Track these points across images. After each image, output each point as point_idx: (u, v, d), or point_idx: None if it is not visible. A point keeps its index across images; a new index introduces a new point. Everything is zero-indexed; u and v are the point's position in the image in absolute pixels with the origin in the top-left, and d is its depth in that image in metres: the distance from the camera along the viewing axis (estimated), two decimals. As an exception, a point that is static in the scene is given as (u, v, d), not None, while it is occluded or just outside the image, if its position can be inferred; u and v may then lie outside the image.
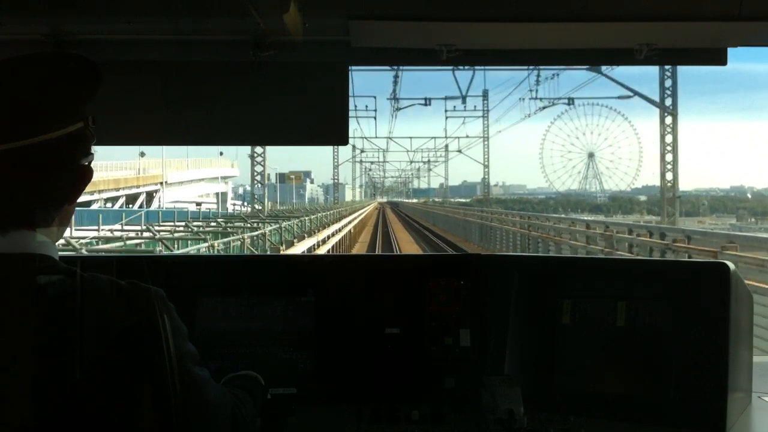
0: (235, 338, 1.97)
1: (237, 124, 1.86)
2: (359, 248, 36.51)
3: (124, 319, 1.11)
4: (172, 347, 1.14)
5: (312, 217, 31.25)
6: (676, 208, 28.29)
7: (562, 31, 1.85)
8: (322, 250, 25.28)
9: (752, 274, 9.99)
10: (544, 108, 41.44)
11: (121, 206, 43.29)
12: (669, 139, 28.26)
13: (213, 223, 27.11)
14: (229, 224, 25.95)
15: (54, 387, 1.04)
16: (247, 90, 1.84)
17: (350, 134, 1.90)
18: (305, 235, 25.33)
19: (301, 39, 1.81)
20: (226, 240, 18.18)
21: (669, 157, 28.19)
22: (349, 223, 41.68)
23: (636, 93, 32.57)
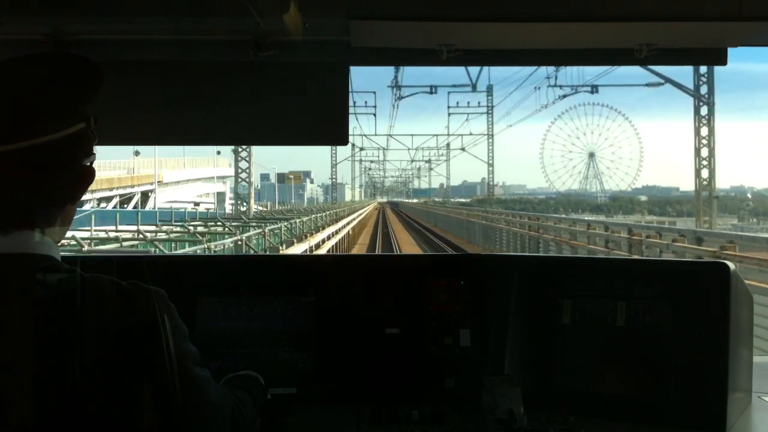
0: (235, 338, 1.97)
1: (237, 124, 1.86)
2: (358, 251, 35.45)
3: (124, 319, 1.11)
4: (173, 347, 1.15)
5: (305, 218, 29.14)
6: (713, 209, 25.33)
7: (562, 31, 1.85)
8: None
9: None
10: (564, 96, 38.65)
11: (114, 206, 42.29)
12: (704, 131, 25.37)
13: (176, 228, 23.83)
14: (205, 228, 23.93)
15: (54, 387, 1.05)
16: (247, 90, 1.84)
17: (349, 132, 1.90)
18: (294, 240, 22.90)
19: (301, 39, 1.81)
20: (191, 249, 16.41)
21: (704, 152, 25.29)
22: (348, 224, 39.72)
23: (668, 80, 29.17)
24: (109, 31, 1.90)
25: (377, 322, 2.01)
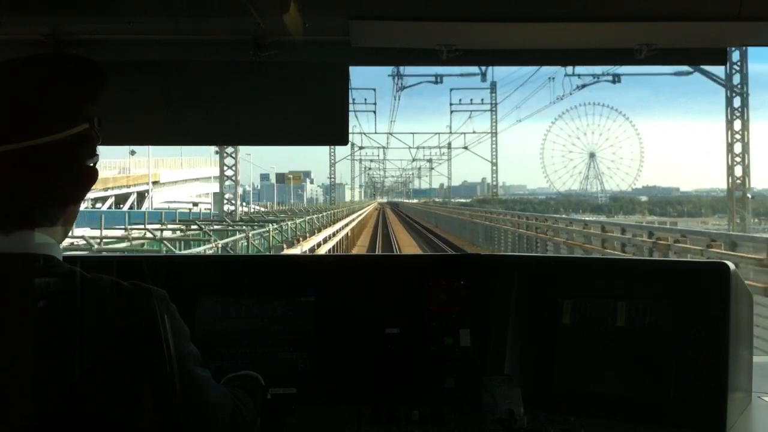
0: (235, 338, 1.97)
1: (237, 124, 1.86)
2: (358, 253, 35.34)
3: (124, 320, 1.11)
4: (173, 348, 1.15)
5: (299, 221, 26.95)
6: (748, 210, 22.87)
7: (562, 31, 1.85)
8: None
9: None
10: (584, 86, 36.02)
11: (109, 207, 41.34)
12: (737, 125, 22.90)
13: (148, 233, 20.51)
14: (180, 232, 21.53)
15: (54, 387, 1.05)
16: (247, 90, 1.84)
17: (349, 131, 1.90)
18: (284, 246, 21.36)
19: (301, 39, 1.81)
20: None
21: (737, 148, 22.86)
22: (346, 225, 37.75)
23: (697, 68, 25.29)
24: (109, 31, 1.91)
25: (377, 322, 2.01)
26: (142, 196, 49.97)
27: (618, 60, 2.10)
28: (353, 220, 45.80)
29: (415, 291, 2.04)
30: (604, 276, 1.98)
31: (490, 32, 1.87)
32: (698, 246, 12.80)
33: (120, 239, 19.00)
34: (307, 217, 30.18)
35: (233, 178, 29.59)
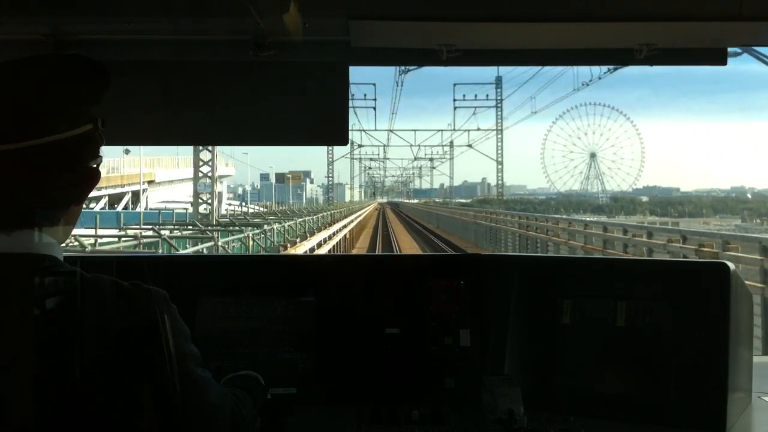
0: (235, 338, 1.97)
1: (237, 124, 1.86)
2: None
3: (124, 320, 1.11)
4: (173, 348, 1.15)
5: (288, 223, 24.07)
6: None
7: (562, 31, 1.85)
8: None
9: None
10: (613, 70, 34.11)
11: (102, 207, 40.20)
12: None
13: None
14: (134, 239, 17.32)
15: (54, 387, 1.05)
16: (247, 90, 1.84)
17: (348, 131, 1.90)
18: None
19: (301, 39, 1.81)
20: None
21: None
22: (344, 227, 35.44)
23: (746, 49, 22.99)
24: (109, 31, 1.90)
25: (377, 322, 2.01)
26: (137, 196, 48.81)
27: (618, 60, 2.10)
28: (352, 221, 43.60)
29: (415, 291, 2.04)
30: (604, 276, 1.98)
31: (490, 32, 1.87)
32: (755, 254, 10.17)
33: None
34: (299, 219, 27.26)
35: (209, 174, 26.84)
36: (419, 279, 2.05)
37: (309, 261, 3.08)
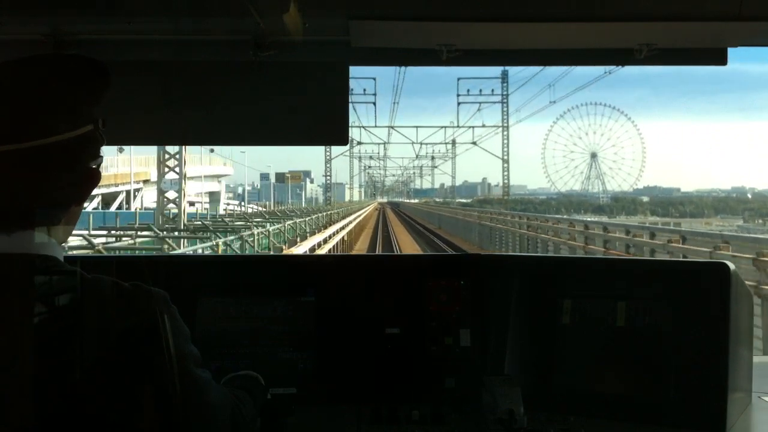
0: (235, 338, 1.97)
1: (237, 124, 1.86)
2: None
3: (124, 320, 1.12)
4: (173, 348, 1.15)
5: (275, 227, 21.32)
6: None
7: (562, 31, 1.85)
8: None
9: None
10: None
11: (95, 208, 38.73)
12: None
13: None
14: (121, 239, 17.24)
15: (54, 387, 1.05)
16: (247, 90, 1.84)
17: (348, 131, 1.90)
18: None
19: (301, 39, 1.81)
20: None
21: None
22: (342, 229, 33.19)
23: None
24: (109, 31, 1.90)
25: (377, 322, 2.01)
26: (132, 195, 48.08)
27: (618, 60, 2.10)
28: (350, 222, 41.46)
29: (415, 291, 2.04)
30: (604, 276, 1.98)
31: (490, 32, 1.87)
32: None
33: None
34: (288, 222, 24.26)
35: (176, 170, 23.35)
36: (419, 279, 2.05)
37: (309, 261, 3.08)
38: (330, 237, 27.99)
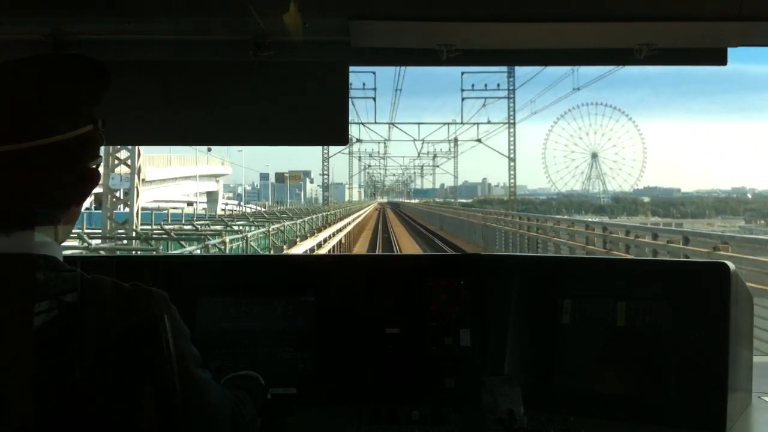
0: (235, 338, 1.97)
1: (237, 124, 1.87)
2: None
3: (124, 321, 1.12)
4: (173, 349, 1.15)
5: (261, 230, 19.11)
6: None
7: (562, 31, 1.85)
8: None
9: None
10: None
11: (87, 208, 39.44)
12: None
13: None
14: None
15: (54, 387, 1.05)
16: (247, 90, 1.84)
17: (348, 131, 1.90)
18: None
19: (301, 39, 1.81)
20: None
21: None
22: (339, 231, 31.91)
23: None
24: (109, 31, 1.90)
25: (377, 322, 2.01)
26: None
27: (618, 60, 2.10)
28: (349, 223, 39.88)
29: (415, 291, 2.04)
30: (604, 276, 1.98)
31: (490, 32, 1.87)
32: None
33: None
34: (276, 225, 21.70)
35: (129, 163, 20.20)
36: (419, 279, 2.05)
37: (309, 261, 3.09)
38: (325, 241, 26.22)
